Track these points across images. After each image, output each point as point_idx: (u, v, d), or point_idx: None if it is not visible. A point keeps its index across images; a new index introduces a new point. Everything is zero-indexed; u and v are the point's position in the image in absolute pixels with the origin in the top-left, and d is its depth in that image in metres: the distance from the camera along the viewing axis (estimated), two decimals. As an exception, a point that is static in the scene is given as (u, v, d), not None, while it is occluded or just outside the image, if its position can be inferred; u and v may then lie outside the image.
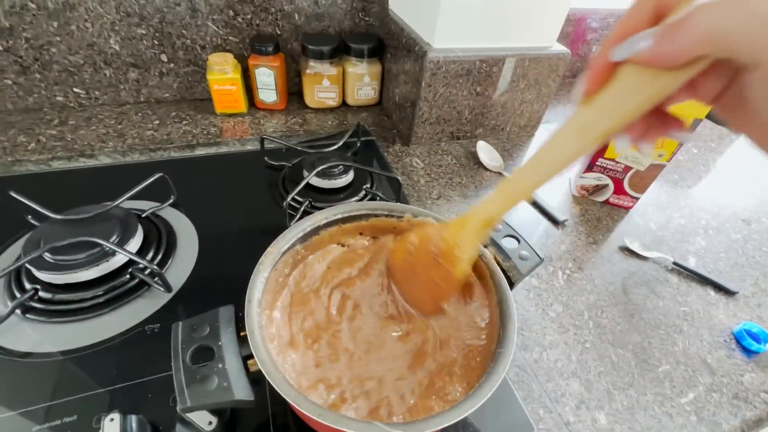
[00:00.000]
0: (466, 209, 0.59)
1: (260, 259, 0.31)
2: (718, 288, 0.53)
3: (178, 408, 0.22)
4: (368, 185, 0.59)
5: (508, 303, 0.30)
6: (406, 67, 0.68)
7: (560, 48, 0.70)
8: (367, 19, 0.77)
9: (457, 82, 0.65)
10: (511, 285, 0.33)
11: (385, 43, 0.76)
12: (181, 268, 0.46)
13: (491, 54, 0.65)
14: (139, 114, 0.71)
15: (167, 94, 0.74)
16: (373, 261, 0.37)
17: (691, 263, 0.56)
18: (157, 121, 0.69)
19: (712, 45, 0.15)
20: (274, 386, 0.23)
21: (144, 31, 0.66)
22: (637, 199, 0.63)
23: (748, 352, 0.46)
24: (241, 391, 0.24)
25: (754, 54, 0.15)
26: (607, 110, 0.20)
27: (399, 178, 0.56)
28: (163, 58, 0.70)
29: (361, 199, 0.57)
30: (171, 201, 0.52)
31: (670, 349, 0.46)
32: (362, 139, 0.68)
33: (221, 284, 0.44)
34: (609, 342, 0.46)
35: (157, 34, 0.67)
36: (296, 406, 0.23)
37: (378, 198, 0.56)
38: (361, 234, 0.39)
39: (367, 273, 0.36)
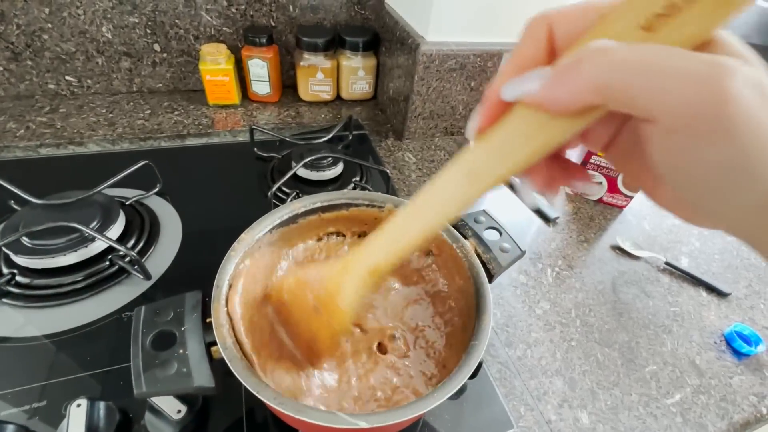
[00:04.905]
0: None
1: (233, 245, 0.30)
2: (711, 289, 0.52)
3: (135, 393, 0.22)
4: (357, 178, 0.58)
5: (485, 296, 0.29)
6: (399, 61, 0.67)
7: (557, 44, 0.69)
8: (362, 12, 0.77)
9: (450, 76, 0.65)
10: (491, 278, 0.32)
11: (380, 36, 0.75)
12: (162, 256, 0.45)
13: (486, 48, 0.64)
14: (131, 103, 0.70)
15: (160, 84, 0.74)
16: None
17: (684, 264, 0.55)
18: (149, 111, 0.69)
19: (604, 95, 0.14)
20: (235, 372, 0.22)
21: (137, 20, 0.66)
22: (631, 198, 0.62)
23: (738, 354, 0.45)
24: (202, 378, 0.23)
25: (648, 108, 0.13)
26: (498, 155, 0.18)
27: (388, 171, 0.55)
28: (156, 47, 0.69)
29: (350, 192, 0.56)
30: (156, 190, 0.52)
31: (658, 349, 0.45)
32: (354, 132, 0.68)
33: (201, 273, 0.42)
34: (595, 340, 0.45)
35: (150, 23, 0.67)
36: (256, 394, 0.22)
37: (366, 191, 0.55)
38: (340, 234, 0.38)
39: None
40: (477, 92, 0.68)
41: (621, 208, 0.63)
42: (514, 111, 0.17)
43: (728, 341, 0.46)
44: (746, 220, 0.14)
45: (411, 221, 0.22)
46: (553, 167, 0.19)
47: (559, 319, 0.46)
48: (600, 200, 0.64)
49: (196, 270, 0.44)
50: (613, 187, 0.61)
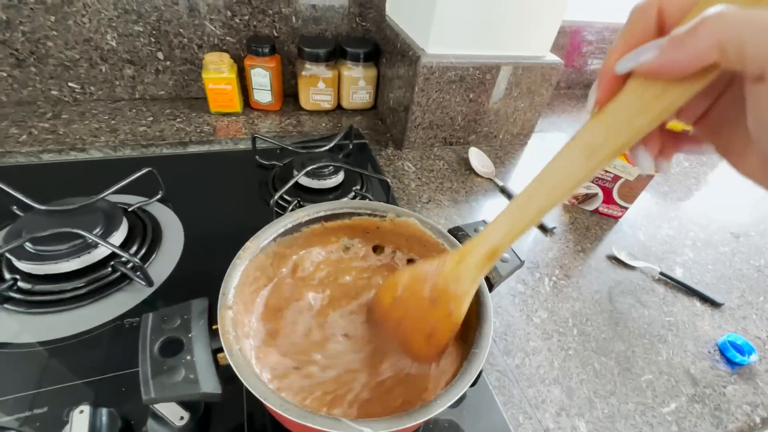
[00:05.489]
0: (455, 213, 0.60)
1: (238, 253, 0.31)
2: (704, 299, 0.53)
3: (143, 399, 0.22)
4: (358, 187, 0.59)
5: (486, 304, 0.30)
6: (400, 72, 0.69)
7: (553, 58, 0.70)
8: (363, 24, 0.78)
9: (450, 87, 0.66)
10: (491, 287, 0.33)
11: (381, 48, 0.76)
12: (164, 263, 0.45)
13: (484, 61, 0.65)
14: (134, 110, 0.71)
15: (162, 92, 0.74)
16: (360, 275, 0.37)
17: (678, 274, 0.56)
18: (151, 118, 0.70)
19: (725, 52, 0.15)
20: (241, 379, 0.23)
21: (141, 29, 0.67)
22: (626, 209, 0.63)
23: (731, 363, 0.46)
24: (209, 384, 0.23)
25: (760, 65, 0.15)
26: (615, 128, 0.19)
27: (388, 180, 0.56)
28: (160, 55, 0.70)
29: (350, 201, 0.57)
30: (159, 196, 0.52)
31: (653, 358, 0.46)
32: (355, 141, 0.69)
33: (203, 280, 0.43)
34: (592, 350, 0.45)
35: (154, 32, 0.68)
36: (263, 401, 0.22)
37: (368, 200, 0.56)
38: (348, 240, 0.39)
39: (354, 288, 0.36)
40: (476, 103, 0.70)
41: (616, 218, 0.64)
42: (628, 85, 0.18)
43: (722, 351, 0.47)
44: None
45: (529, 202, 0.23)
46: (664, 135, 0.21)
47: (557, 328, 0.47)
48: (596, 210, 0.65)
49: (198, 277, 0.45)
50: (608, 198, 0.62)
